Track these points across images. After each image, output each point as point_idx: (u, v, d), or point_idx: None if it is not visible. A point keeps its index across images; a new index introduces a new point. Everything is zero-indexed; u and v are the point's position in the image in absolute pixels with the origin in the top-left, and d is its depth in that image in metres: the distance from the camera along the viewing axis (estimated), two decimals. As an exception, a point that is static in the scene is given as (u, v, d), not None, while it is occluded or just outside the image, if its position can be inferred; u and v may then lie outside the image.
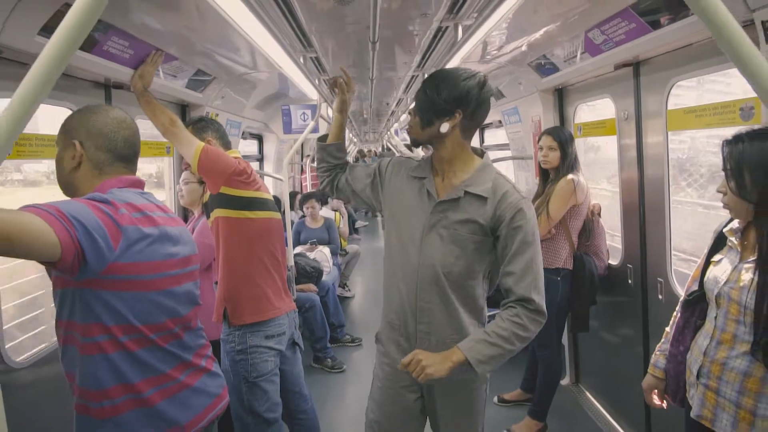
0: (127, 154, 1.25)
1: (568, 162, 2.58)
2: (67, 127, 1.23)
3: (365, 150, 14.64)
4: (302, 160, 7.57)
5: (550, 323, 2.68)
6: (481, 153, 1.50)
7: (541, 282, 1.39)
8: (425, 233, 1.42)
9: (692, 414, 1.39)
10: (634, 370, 2.38)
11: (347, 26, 2.18)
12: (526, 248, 1.36)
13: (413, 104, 1.45)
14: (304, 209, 4.82)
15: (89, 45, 1.69)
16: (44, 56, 0.69)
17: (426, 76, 1.36)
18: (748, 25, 1.38)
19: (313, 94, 3.88)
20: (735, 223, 1.37)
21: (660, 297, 2.22)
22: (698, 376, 1.38)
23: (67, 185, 1.23)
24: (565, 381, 3.25)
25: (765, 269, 1.22)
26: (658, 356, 1.61)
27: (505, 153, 4.27)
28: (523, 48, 2.55)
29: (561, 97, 3.00)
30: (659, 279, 2.19)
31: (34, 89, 0.70)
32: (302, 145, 5.33)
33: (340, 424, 2.30)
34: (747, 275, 1.25)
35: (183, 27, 1.96)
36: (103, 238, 1.04)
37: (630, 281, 2.46)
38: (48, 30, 1.45)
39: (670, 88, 2.00)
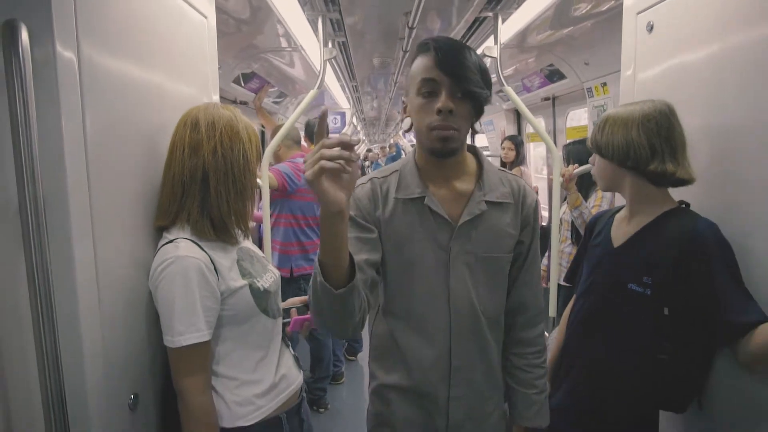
0: (298, 141, 2.77)
1: (519, 158, 3.98)
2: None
3: (377, 148, 12.84)
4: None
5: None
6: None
7: None
8: (451, 268, 1.03)
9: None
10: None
11: (380, 70, 3.60)
12: (537, 250, 1.13)
13: (459, 96, 0.96)
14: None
15: (245, 82, 3.12)
16: (292, 118, 2.09)
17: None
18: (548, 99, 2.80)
19: (345, 104, 5.33)
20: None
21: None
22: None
23: (276, 157, 2.74)
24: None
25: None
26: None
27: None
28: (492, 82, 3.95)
29: (518, 115, 4.40)
30: (564, 229, 3.60)
31: (282, 134, 2.10)
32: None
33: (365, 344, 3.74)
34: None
35: (288, 69, 3.39)
36: (294, 177, 2.55)
37: (552, 234, 3.87)
38: (236, 81, 2.88)
39: (567, 114, 3.40)
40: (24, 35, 0.71)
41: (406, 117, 1.04)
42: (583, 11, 2.13)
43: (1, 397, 0.79)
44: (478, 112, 1.01)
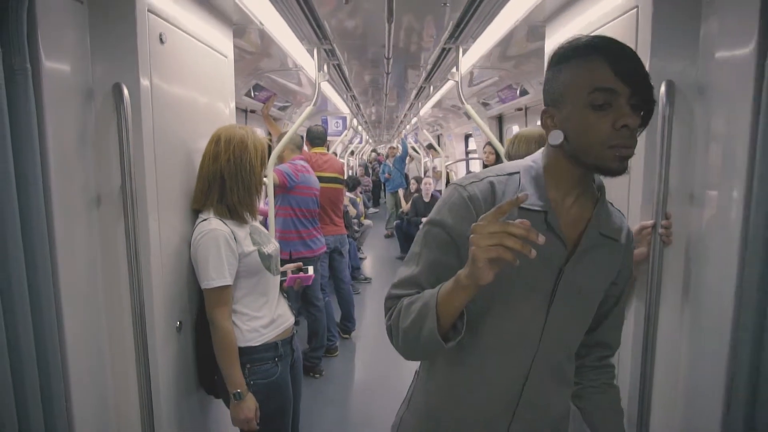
0: (300, 146, 3.27)
1: (499, 161, 4.46)
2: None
3: (385, 150, 12.09)
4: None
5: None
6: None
7: None
8: (555, 296, 0.92)
9: None
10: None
11: (372, 84, 4.08)
12: (626, 294, 1.07)
13: (631, 107, 0.82)
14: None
15: (254, 93, 3.61)
16: (292, 129, 2.59)
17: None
18: (521, 110, 3.26)
19: (345, 109, 5.83)
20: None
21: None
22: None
23: (279, 159, 3.21)
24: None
25: None
26: None
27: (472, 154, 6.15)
28: (475, 92, 4.42)
29: (500, 121, 4.87)
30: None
31: (285, 141, 2.60)
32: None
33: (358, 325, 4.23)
34: None
35: (290, 84, 3.88)
36: (293, 176, 3.05)
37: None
38: (247, 94, 3.37)
39: (537, 123, 3.87)
40: (126, 93, 1.20)
41: (555, 130, 0.87)
42: (533, 42, 2.58)
43: (106, 308, 1.28)
44: (644, 126, 0.86)
